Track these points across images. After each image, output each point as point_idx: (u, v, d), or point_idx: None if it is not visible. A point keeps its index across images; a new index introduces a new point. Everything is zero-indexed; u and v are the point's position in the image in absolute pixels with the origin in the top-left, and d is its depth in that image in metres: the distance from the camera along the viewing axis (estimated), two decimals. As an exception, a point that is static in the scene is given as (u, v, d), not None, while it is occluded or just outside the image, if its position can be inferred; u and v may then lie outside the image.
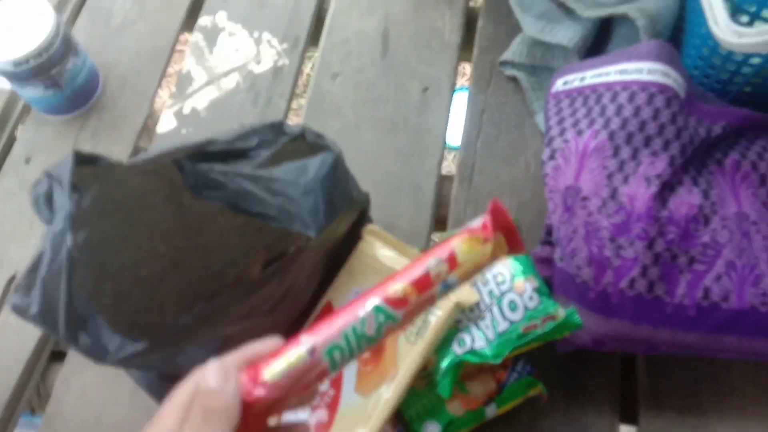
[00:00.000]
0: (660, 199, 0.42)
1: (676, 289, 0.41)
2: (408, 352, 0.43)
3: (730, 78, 0.48)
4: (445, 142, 0.62)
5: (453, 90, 0.65)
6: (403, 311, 0.33)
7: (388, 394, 0.43)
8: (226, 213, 0.44)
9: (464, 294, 0.44)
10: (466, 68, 1.21)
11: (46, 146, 0.65)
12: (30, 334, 0.56)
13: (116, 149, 0.64)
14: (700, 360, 0.48)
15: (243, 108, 0.65)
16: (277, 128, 0.45)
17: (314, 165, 0.41)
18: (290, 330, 0.49)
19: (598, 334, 0.44)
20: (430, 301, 0.33)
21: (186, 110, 0.65)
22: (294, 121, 1.28)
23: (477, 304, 0.46)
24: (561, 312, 0.44)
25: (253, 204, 0.42)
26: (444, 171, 0.62)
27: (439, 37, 0.67)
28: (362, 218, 0.51)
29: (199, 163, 0.43)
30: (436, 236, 0.61)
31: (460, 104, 0.65)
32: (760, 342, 0.41)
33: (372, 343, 0.32)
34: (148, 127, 0.68)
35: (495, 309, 0.45)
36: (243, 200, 0.42)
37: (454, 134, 0.63)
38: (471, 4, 0.70)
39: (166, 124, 0.65)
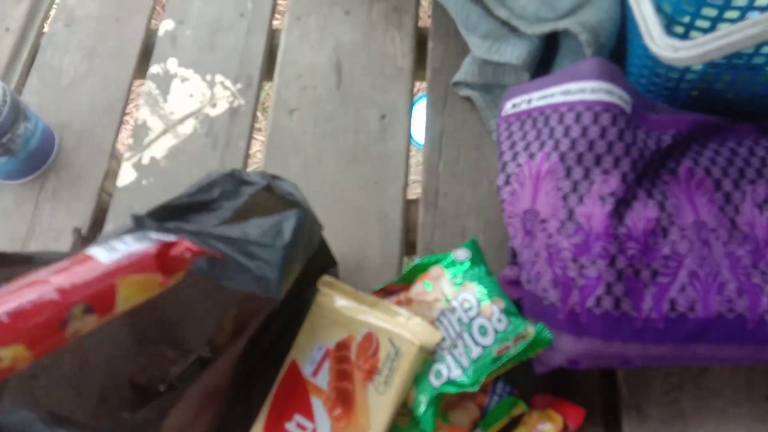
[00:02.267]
0: (616, 216, 0.42)
1: (642, 303, 0.42)
2: (379, 403, 0.43)
3: (676, 85, 0.48)
4: (408, 169, 0.62)
5: (410, 114, 0.65)
6: None
7: None
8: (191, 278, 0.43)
9: (427, 335, 0.44)
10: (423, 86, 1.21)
11: (6, 212, 0.64)
12: None
13: (78, 207, 0.64)
14: (677, 366, 0.48)
15: (203, 153, 0.65)
16: (237, 177, 0.44)
17: (289, 226, 0.40)
18: (251, 385, 0.49)
19: (571, 354, 0.44)
20: None
21: (145, 161, 0.65)
22: (256, 159, 1.28)
23: (448, 334, 0.46)
24: (531, 330, 0.44)
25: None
26: (414, 173, 0.62)
27: (392, 62, 0.67)
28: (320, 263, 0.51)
29: (165, 222, 0.41)
30: (416, 258, 0.61)
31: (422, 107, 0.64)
32: (731, 349, 0.41)
33: None
34: (113, 178, 0.67)
35: (466, 336, 0.45)
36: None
37: (420, 133, 0.63)
38: (420, 24, 0.70)
39: (126, 177, 0.64)
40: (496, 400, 0.46)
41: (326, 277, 0.48)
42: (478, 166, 0.60)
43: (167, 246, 0.35)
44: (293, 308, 0.49)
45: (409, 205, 0.61)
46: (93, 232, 0.63)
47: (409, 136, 0.64)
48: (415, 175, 1.13)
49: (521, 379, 0.47)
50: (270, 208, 0.42)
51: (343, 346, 0.46)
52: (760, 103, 0.49)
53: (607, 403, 0.49)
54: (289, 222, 0.41)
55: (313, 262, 0.49)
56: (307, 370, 0.46)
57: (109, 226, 0.62)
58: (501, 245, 0.56)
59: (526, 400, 0.47)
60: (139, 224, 0.41)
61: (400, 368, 0.43)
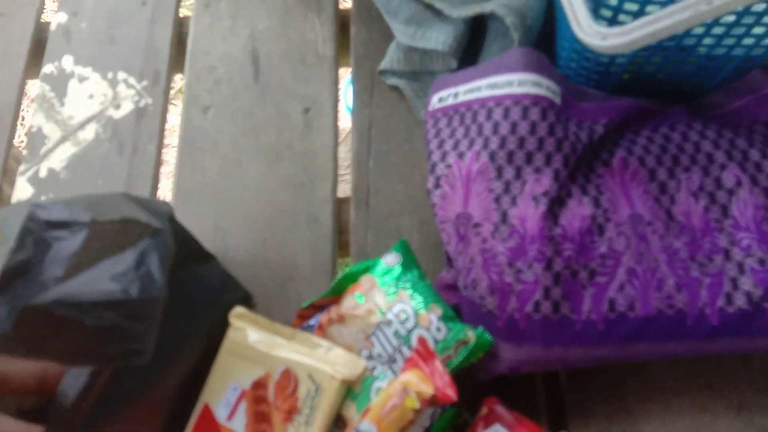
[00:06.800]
0: (551, 217, 0.39)
1: (581, 305, 0.40)
2: None
3: (606, 69, 0.46)
4: (336, 166, 0.58)
5: (336, 107, 0.60)
6: None
7: None
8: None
9: (348, 367, 0.41)
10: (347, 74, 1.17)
11: None
12: None
13: (-31, 231, 0.57)
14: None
15: (108, 160, 0.59)
16: (38, 221, 0.34)
17: (155, 268, 0.35)
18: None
19: (511, 362, 0.42)
20: None
21: (42, 173, 0.58)
22: (166, 166, 1.20)
23: (385, 349, 0.43)
24: (471, 335, 0.41)
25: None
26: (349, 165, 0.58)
27: (313, 49, 0.62)
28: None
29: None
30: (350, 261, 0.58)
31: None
32: (673, 344, 0.40)
33: None
34: (2, 199, 0.60)
35: (405, 349, 0.42)
36: None
37: (349, 97, 0.59)
38: (342, 6, 0.65)
39: (21, 193, 0.57)
40: (439, 413, 0.43)
41: (238, 309, 0.44)
42: (409, 159, 0.56)
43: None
44: (200, 347, 0.44)
45: (341, 205, 0.58)
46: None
47: (336, 131, 0.59)
48: (344, 170, 1.08)
49: (463, 389, 0.45)
50: (116, 237, 0.35)
51: (259, 386, 0.42)
52: (690, 83, 0.47)
53: (551, 401, 0.48)
54: (152, 263, 0.34)
55: (222, 297, 0.45)
56: (221, 413, 0.42)
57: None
58: (437, 244, 0.53)
59: (469, 409, 0.45)
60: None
61: (321, 406, 0.40)
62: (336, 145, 0.59)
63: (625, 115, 0.44)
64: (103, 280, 0.33)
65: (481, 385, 0.47)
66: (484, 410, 0.44)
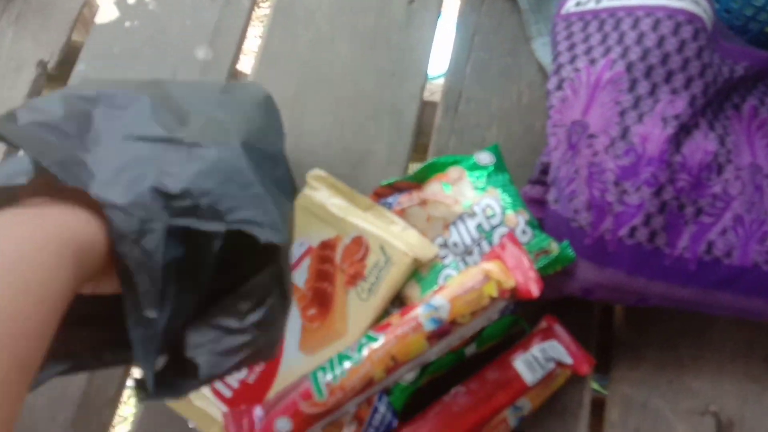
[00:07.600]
0: (675, 142, 0.38)
1: (678, 241, 0.38)
2: (359, 309, 0.39)
3: (753, 16, 0.43)
4: (429, 66, 0.56)
5: (441, 5, 0.58)
6: (385, 333, 0.36)
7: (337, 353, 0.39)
8: None
9: (421, 249, 0.40)
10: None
11: (-43, 28, 0.54)
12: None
13: (46, 38, 0.55)
14: (683, 313, 0.46)
15: (199, 3, 0.56)
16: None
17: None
18: None
19: (588, 283, 0.41)
20: (413, 322, 0.36)
21: (131, 0, 0.56)
22: (258, 28, 1.16)
23: (463, 240, 0.42)
24: (554, 246, 0.40)
25: None
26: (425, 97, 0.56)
27: (431, -58, 0.59)
28: None
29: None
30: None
31: (442, 31, 0.58)
32: (757, 301, 0.39)
33: (355, 364, 0.36)
34: (84, 17, 0.58)
35: (485, 244, 0.41)
36: None
37: (435, 64, 0.57)
38: None
39: (106, 13, 0.55)
40: (497, 317, 0.43)
41: (317, 171, 0.43)
42: (509, 74, 0.54)
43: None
44: None
45: (425, 107, 0.56)
46: (61, 69, 0.54)
47: (435, 30, 0.57)
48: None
49: (519, 304, 0.44)
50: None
51: (327, 246, 0.41)
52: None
53: (600, 342, 0.47)
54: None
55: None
56: None
57: (81, 66, 0.54)
58: (521, 163, 0.51)
59: (527, 319, 0.44)
60: None
61: (388, 278, 0.39)
62: (433, 44, 0.57)
63: (764, 65, 0.42)
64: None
65: (538, 308, 0.46)
66: (543, 324, 0.43)
